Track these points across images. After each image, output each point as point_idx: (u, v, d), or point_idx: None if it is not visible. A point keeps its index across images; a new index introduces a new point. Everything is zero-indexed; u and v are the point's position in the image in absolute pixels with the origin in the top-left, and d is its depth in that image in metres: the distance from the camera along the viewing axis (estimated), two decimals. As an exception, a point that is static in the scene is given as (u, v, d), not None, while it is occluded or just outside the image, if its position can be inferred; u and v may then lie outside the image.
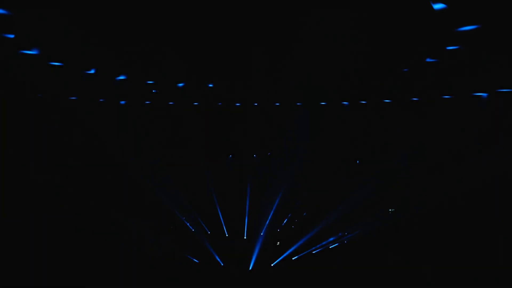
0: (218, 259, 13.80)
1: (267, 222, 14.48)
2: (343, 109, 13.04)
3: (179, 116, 13.17)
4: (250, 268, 13.59)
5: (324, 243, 14.16)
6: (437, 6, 7.09)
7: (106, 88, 11.58)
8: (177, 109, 13.03)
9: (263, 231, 14.43)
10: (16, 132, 11.64)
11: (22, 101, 11.40)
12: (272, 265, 13.87)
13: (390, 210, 14.16)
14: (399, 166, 12.74)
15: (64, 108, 11.92)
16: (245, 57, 10.14)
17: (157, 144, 13.35)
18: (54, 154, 12.47)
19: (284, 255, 14.05)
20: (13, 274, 10.65)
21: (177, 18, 8.56)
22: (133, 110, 12.63)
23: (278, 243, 14.59)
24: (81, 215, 12.54)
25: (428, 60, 9.77)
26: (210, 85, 11.88)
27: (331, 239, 14.15)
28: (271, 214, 14.49)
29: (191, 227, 14.24)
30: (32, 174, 12.00)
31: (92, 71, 10.64)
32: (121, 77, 11.20)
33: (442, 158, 12.42)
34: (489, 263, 10.78)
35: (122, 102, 12.59)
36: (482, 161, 11.53)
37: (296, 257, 14.03)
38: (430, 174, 12.64)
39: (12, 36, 8.62)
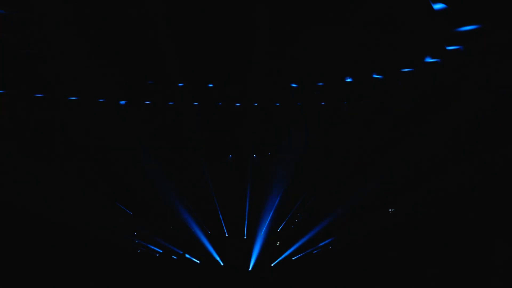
0: (218, 259, 13.83)
1: (267, 222, 14.49)
2: (343, 109, 13.04)
3: (179, 116, 13.16)
4: (250, 269, 13.61)
5: (323, 243, 14.18)
6: (437, 6, 7.10)
7: (106, 88, 11.58)
8: (177, 109, 13.03)
9: (263, 231, 14.44)
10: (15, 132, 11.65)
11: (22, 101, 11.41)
12: (272, 265, 13.89)
13: (390, 210, 14.16)
14: (399, 166, 12.74)
15: (64, 108, 11.92)
16: (245, 57, 10.15)
17: (157, 144, 13.33)
18: (54, 153, 12.47)
19: (284, 255, 14.07)
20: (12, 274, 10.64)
21: (177, 18, 8.56)
22: (133, 110, 12.61)
23: (278, 243, 14.60)
24: (81, 216, 12.53)
25: (428, 60, 9.78)
26: (210, 85, 11.89)
27: (331, 239, 14.18)
28: (271, 214, 14.50)
29: (191, 227, 14.25)
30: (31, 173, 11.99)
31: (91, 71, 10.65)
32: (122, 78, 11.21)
33: (442, 158, 12.42)
34: (488, 263, 10.78)
35: (122, 102, 12.60)
36: (482, 161, 11.53)
37: (296, 257, 14.05)
38: (430, 174, 12.63)
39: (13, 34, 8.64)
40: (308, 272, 12.80)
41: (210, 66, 10.71)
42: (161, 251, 13.47)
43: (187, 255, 13.42)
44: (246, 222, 14.71)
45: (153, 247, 13.75)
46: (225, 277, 12.92)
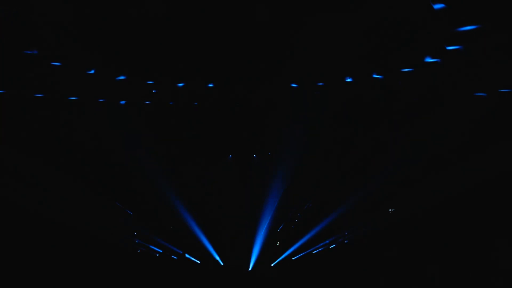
0: (218, 259, 13.84)
1: (267, 222, 14.48)
2: (343, 108, 13.04)
3: (179, 116, 13.17)
4: (250, 269, 13.62)
5: (323, 243, 14.19)
6: (437, 6, 7.11)
7: (106, 88, 11.58)
8: (177, 109, 13.03)
9: (263, 231, 14.43)
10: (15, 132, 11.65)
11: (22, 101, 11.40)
12: (272, 265, 13.89)
13: (390, 210, 14.15)
14: (399, 166, 12.74)
15: (64, 108, 11.92)
16: (245, 57, 10.15)
17: (157, 144, 13.33)
18: (54, 154, 12.46)
19: (284, 255, 14.08)
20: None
21: (177, 17, 8.56)
22: (133, 110, 12.61)
23: (278, 243, 14.59)
24: (81, 215, 12.53)
25: (428, 60, 9.78)
26: (210, 85, 11.89)
27: (331, 239, 14.19)
28: (271, 214, 14.49)
29: (191, 227, 14.24)
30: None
31: (92, 71, 10.66)
32: (121, 77, 11.21)
33: (442, 158, 12.43)
34: (489, 263, 10.79)
35: (122, 102, 12.59)
36: (481, 161, 11.54)
37: (296, 257, 14.05)
38: (430, 174, 12.64)
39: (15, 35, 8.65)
40: (308, 272, 12.81)
41: (210, 66, 10.71)
42: (161, 251, 13.48)
43: (187, 255, 13.42)
44: (246, 222, 14.69)
45: (153, 247, 13.75)
46: (225, 277, 12.92)
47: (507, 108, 11.08)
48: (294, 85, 11.88)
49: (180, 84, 11.76)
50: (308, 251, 14.10)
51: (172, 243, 13.74)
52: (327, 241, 14.25)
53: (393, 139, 13.06)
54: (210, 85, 11.88)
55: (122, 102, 12.56)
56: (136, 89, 11.95)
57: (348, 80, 11.35)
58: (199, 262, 13.77)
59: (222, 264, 13.82)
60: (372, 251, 13.09)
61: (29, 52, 9.34)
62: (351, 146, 13.74)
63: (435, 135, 12.07)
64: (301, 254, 14.07)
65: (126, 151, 13.07)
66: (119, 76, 11.11)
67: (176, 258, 13.26)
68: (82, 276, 11.25)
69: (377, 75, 11.07)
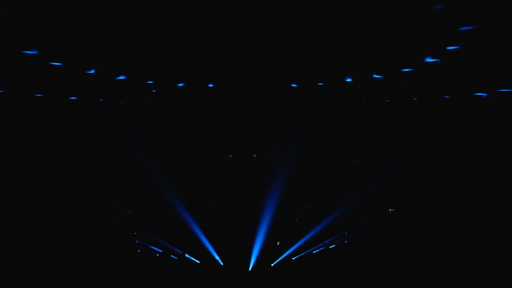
0: (218, 259, 13.84)
1: (267, 222, 14.48)
2: (342, 107, 13.04)
3: (179, 116, 13.17)
4: (250, 269, 13.62)
5: (323, 243, 14.19)
6: (437, 6, 7.12)
7: (105, 88, 11.59)
8: (177, 109, 13.03)
9: (263, 231, 14.42)
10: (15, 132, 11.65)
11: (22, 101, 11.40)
12: (272, 265, 13.89)
13: (390, 210, 14.15)
14: (399, 166, 12.74)
15: (64, 108, 11.92)
16: (246, 57, 10.15)
17: (157, 144, 13.33)
18: (53, 153, 12.46)
19: (284, 255, 14.08)
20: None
21: (177, 17, 8.57)
22: (133, 110, 12.61)
23: (278, 243, 14.59)
24: (81, 216, 12.53)
25: (428, 60, 9.79)
26: (210, 85, 11.90)
27: (331, 239, 14.19)
28: (272, 213, 14.49)
29: (191, 227, 14.24)
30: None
31: (92, 71, 10.66)
32: (121, 77, 11.22)
33: (442, 158, 12.43)
34: (489, 263, 10.78)
35: (122, 102, 12.59)
36: (481, 161, 11.54)
37: (296, 257, 14.06)
38: (430, 174, 12.64)
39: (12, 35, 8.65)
40: (308, 272, 12.81)
41: (210, 66, 10.71)
42: (161, 251, 13.48)
43: (187, 255, 13.42)
44: (246, 222, 14.69)
45: (153, 247, 13.75)
46: (225, 277, 12.92)
47: (507, 108, 11.09)
48: (294, 85, 11.89)
49: (180, 84, 11.76)
50: (308, 251, 14.10)
51: (172, 243, 13.74)
52: (327, 241, 14.26)
53: (393, 139, 13.06)
54: (210, 85, 11.88)
55: (122, 102, 12.56)
56: (136, 89, 11.96)
57: (348, 80, 11.35)
58: (199, 262, 13.76)
59: (222, 264, 13.81)
60: (372, 251, 13.09)
61: (29, 52, 9.34)
62: (351, 146, 13.75)
63: (435, 135, 12.07)
64: (301, 254, 14.07)
65: (126, 151, 13.07)
66: (119, 76, 11.12)
67: (176, 258, 13.25)
68: (82, 276, 11.24)
69: (377, 75, 11.07)
